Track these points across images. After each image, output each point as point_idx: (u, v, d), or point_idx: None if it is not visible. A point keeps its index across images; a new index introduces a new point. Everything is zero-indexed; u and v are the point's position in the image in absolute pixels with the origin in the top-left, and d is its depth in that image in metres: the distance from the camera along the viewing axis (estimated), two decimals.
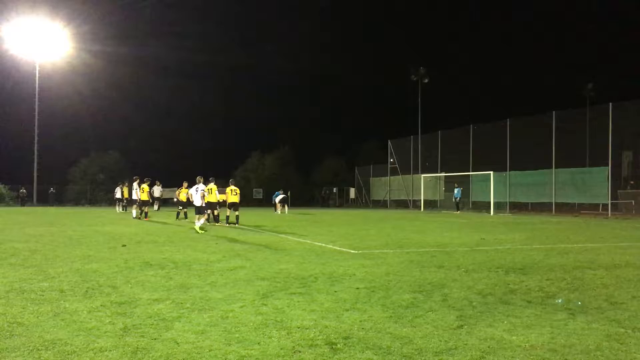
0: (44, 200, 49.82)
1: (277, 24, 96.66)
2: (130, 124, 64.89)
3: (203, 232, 16.54)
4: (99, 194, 51.76)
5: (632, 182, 33.60)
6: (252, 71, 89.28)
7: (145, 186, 24.98)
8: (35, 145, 50.80)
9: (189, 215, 23.85)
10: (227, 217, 21.19)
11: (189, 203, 23.06)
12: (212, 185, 20.45)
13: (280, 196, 33.03)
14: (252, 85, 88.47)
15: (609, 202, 30.83)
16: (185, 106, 76.57)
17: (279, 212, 32.41)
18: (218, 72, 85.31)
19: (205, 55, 74.51)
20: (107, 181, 51.01)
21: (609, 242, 14.24)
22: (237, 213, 20.83)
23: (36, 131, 50.91)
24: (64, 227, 19.13)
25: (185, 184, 24.44)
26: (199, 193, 17.86)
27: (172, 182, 46.71)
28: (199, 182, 18.24)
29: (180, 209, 24.63)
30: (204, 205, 17.88)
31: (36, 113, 51.04)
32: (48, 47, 49.69)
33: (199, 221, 17.23)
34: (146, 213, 24.86)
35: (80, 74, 57.42)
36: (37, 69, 50.91)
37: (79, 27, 52.09)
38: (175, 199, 32.36)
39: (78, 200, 51.66)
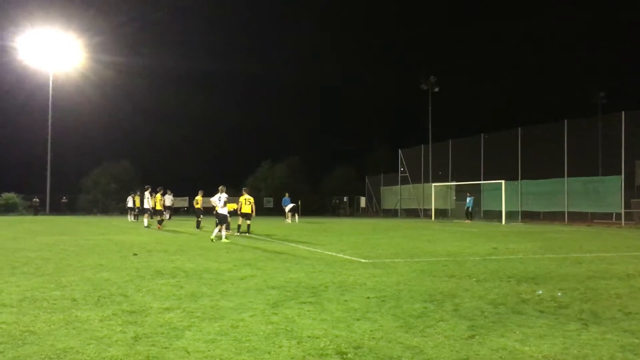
0: (57, 209, 50.21)
1: (288, 33, 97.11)
2: (141, 134, 65.29)
3: (227, 241, 16.71)
4: (110, 203, 52.10)
5: None
6: (263, 80, 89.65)
7: (159, 195, 25.14)
8: (49, 155, 51.26)
9: (203, 224, 23.93)
10: (239, 226, 21.23)
11: (205, 211, 23.78)
12: None
13: (290, 205, 33.03)
14: (263, 94, 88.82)
15: (622, 211, 30.53)
16: (196, 115, 76.94)
17: (289, 221, 32.42)
18: (229, 80, 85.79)
19: (216, 64, 75.05)
20: (118, 190, 51.34)
21: (623, 252, 14.09)
22: (248, 222, 20.87)
23: (49, 141, 51.40)
24: (76, 236, 19.25)
25: (201, 193, 24.60)
26: (222, 202, 17.97)
27: (183, 191, 46.96)
28: (222, 191, 18.36)
29: (202, 218, 24.67)
30: (226, 214, 17.96)
31: (49, 123, 51.55)
32: (61, 57, 50.30)
33: (217, 230, 17.32)
34: (162, 221, 24.93)
35: (93, 84, 58.01)
36: (51, 79, 51.51)
37: (92, 38, 52.70)
38: (185, 208, 32.69)
39: (90, 209, 52.01)
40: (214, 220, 22.33)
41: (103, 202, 52.55)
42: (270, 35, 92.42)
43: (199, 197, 24.65)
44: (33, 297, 7.11)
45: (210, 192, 26.73)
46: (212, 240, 16.71)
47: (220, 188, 18.58)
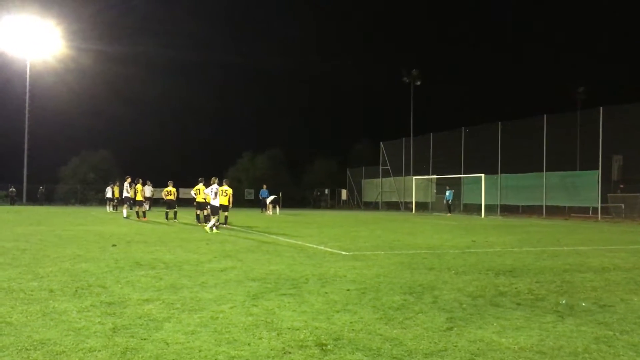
0: (34, 199, 49.48)
1: (269, 23, 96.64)
2: (121, 123, 64.61)
3: (216, 232, 16.61)
4: (89, 193, 51.49)
5: (621, 186, 33.80)
6: (244, 70, 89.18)
7: (139, 186, 24.88)
8: (26, 144, 50.46)
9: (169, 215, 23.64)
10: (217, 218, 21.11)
11: (175, 203, 23.96)
12: (200, 186, 20.46)
13: (271, 197, 32.96)
14: (244, 85, 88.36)
15: (599, 205, 31.02)
16: (176, 105, 76.35)
17: (270, 212, 32.37)
18: (210, 70, 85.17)
19: (197, 53, 74.40)
20: (97, 180, 50.75)
21: (599, 246, 14.34)
22: (225, 214, 20.74)
23: (26, 129, 50.58)
24: (53, 226, 19.01)
25: (170, 183, 24.15)
26: (213, 193, 17.88)
27: (163, 182, 46.58)
28: (213, 182, 18.27)
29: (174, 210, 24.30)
30: (218, 206, 17.90)
31: (26, 111, 50.72)
32: (39, 45, 49.41)
33: (211, 222, 17.25)
34: (144, 213, 24.73)
35: (72, 72, 57.16)
36: (29, 67, 50.59)
37: (70, 26, 51.94)
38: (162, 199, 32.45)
39: (68, 199, 51.36)
40: (194, 212, 22.26)
41: (81, 192, 51.91)
42: (252, 26, 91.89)
43: (172, 189, 24.08)
44: (9, 287, 7.01)
45: (188, 184, 26.48)
46: (215, 233, 16.55)
47: (212, 179, 18.52)
